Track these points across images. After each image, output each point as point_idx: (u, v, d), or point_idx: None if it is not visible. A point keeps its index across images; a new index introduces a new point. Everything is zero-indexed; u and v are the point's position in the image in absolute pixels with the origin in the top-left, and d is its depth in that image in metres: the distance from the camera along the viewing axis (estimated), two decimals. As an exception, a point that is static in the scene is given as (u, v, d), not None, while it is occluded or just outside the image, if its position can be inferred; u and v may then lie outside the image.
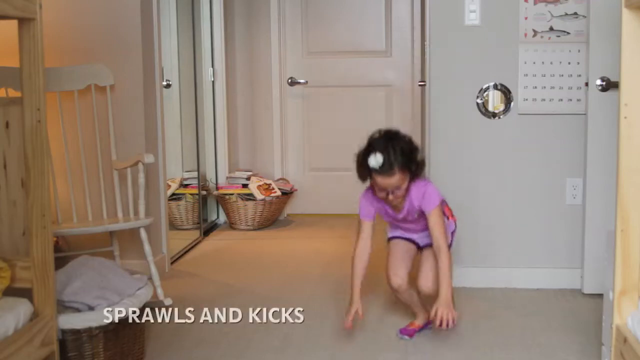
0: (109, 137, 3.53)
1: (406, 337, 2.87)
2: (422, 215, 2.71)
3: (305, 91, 5.33)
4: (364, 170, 2.55)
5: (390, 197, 2.57)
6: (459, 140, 3.48)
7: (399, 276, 2.79)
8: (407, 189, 2.61)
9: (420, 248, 2.88)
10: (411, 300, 2.90)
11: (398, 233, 2.89)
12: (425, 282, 2.77)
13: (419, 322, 2.92)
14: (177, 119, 4.92)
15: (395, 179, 2.52)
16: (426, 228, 2.72)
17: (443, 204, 2.76)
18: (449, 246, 2.76)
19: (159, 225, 3.86)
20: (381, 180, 2.53)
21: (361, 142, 2.65)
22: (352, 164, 2.71)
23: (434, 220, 2.64)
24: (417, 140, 5.31)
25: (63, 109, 3.48)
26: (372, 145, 2.54)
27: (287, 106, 5.37)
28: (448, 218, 2.83)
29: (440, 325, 2.56)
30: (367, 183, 2.64)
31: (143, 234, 3.25)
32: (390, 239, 2.91)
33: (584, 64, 3.35)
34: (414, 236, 2.87)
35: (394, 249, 2.87)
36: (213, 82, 5.07)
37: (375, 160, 2.49)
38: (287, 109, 5.37)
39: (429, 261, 2.78)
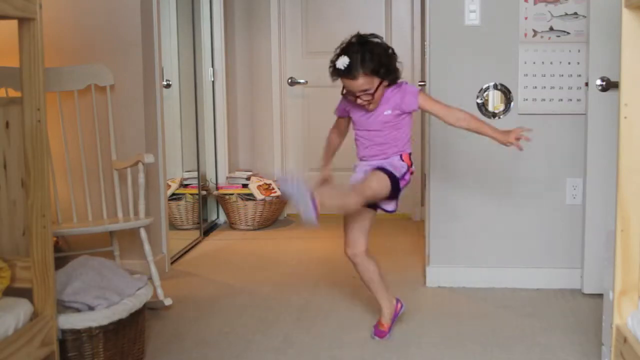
0: (109, 137, 3.53)
1: (377, 338, 2.84)
2: (393, 125, 2.67)
3: (305, 91, 5.33)
4: (333, 70, 2.61)
5: (359, 100, 2.61)
6: (459, 140, 3.48)
7: (354, 247, 2.86)
8: (382, 94, 2.62)
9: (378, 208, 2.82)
10: (370, 279, 2.84)
11: (362, 168, 2.79)
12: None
13: (386, 319, 2.87)
14: (177, 119, 4.92)
15: (359, 83, 2.55)
16: (394, 145, 2.69)
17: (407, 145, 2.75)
18: (398, 191, 2.71)
19: (159, 225, 3.86)
20: (346, 82, 2.59)
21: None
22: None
23: (427, 105, 2.68)
24: (417, 140, 5.33)
25: (63, 109, 3.48)
26: (342, 48, 2.60)
27: (287, 106, 5.37)
28: (405, 163, 2.74)
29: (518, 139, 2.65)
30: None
31: (143, 234, 3.25)
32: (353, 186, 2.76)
33: (584, 64, 3.35)
34: (380, 163, 2.72)
35: (350, 222, 2.90)
36: (213, 82, 5.07)
37: (342, 62, 2.55)
38: (287, 109, 5.37)
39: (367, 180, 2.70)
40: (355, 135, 2.79)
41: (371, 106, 2.64)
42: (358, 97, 2.60)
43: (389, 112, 2.65)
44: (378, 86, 2.58)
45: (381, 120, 2.67)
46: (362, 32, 2.69)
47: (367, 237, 2.86)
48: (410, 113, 2.69)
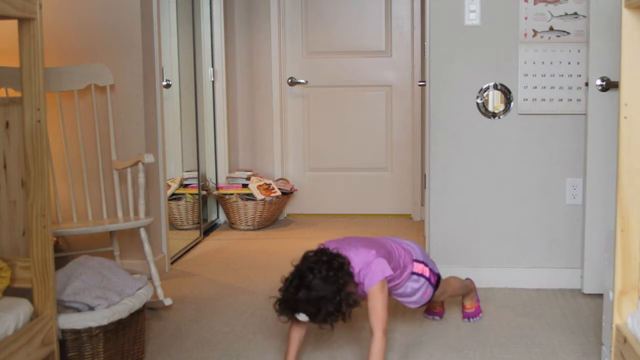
0: (109, 137, 3.54)
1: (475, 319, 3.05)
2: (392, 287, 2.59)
3: (305, 91, 5.33)
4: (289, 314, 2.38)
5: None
6: (459, 140, 3.48)
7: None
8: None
9: None
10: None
11: None
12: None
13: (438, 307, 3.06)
14: (177, 119, 4.92)
15: (328, 323, 2.35)
16: (406, 292, 2.67)
17: (409, 267, 2.65)
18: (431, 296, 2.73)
19: (159, 225, 3.86)
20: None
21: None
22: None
23: (372, 303, 2.43)
24: (417, 140, 5.33)
25: (63, 109, 3.48)
26: (293, 305, 2.33)
27: (287, 106, 5.37)
28: (427, 278, 2.71)
29: None
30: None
31: (143, 234, 3.25)
32: None
33: (584, 64, 3.35)
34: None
35: None
36: (213, 82, 5.07)
37: (301, 318, 2.34)
38: (287, 109, 5.37)
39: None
40: None
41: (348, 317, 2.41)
42: None
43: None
44: (344, 312, 2.36)
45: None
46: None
47: None
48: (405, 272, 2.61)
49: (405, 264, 2.64)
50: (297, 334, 2.55)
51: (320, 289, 2.30)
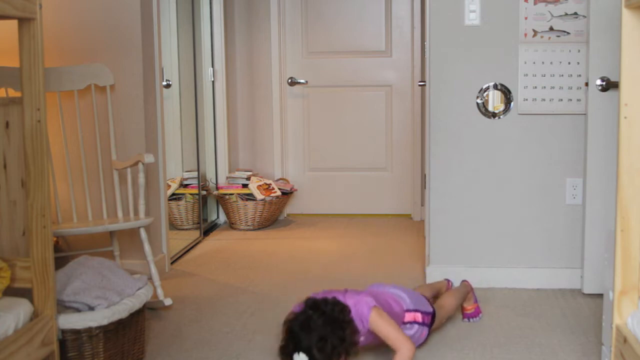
0: (109, 137, 3.54)
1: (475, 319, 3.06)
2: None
3: (305, 91, 5.33)
4: None
5: None
6: (459, 140, 3.48)
7: None
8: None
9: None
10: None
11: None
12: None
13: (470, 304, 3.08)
14: (177, 119, 4.92)
15: None
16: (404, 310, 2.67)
17: (400, 319, 2.64)
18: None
19: (159, 225, 3.86)
20: None
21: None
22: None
23: (380, 331, 2.46)
24: (417, 140, 5.33)
25: (63, 109, 3.48)
26: (295, 344, 2.33)
27: (287, 106, 5.37)
28: (423, 324, 2.71)
29: None
30: None
31: (143, 234, 3.25)
32: None
33: (584, 64, 3.35)
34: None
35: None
36: (213, 82, 5.07)
37: (301, 358, 2.32)
38: (287, 109, 5.37)
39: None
40: None
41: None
42: None
43: (363, 338, 2.49)
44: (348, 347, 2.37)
45: (369, 336, 2.53)
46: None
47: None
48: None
49: (396, 316, 2.61)
50: None
51: (323, 329, 2.32)
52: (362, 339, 2.48)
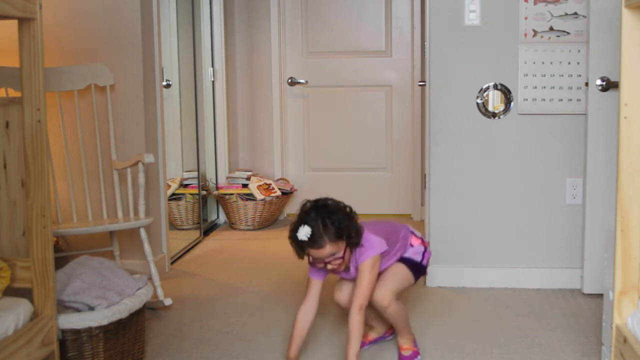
0: (109, 137, 3.54)
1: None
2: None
3: (305, 91, 5.33)
4: (297, 244, 2.42)
5: (329, 266, 2.45)
6: (459, 140, 3.48)
7: (343, 291, 2.70)
8: (351, 253, 2.49)
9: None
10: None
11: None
12: (378, 291, 2.58)
13: (372, 334, 2.83)
14: (177, 119, 4.92)
15: (327, 250, 2.40)
16: (393, 256, 2.67)
17: (407, 237, 2.71)
18: (425, 268, 2.75)
19: (159, 225, 3.86)
20: (313, 252, 2.41)
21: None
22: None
23: (362, 275, 2.48)
24: (417, 140, 5.34)
25: (63, 109, 3.48)
26: (301, 218, 2.43)
27: (287, 106, 5.37)
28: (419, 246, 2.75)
29: None
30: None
31: (143, 234, 3.25)
32: None
33: (584, 64, 3.35)
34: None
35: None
36: (213, 82, 5.07)
37: (304, 233, 2.38)
38: (287, 109, 5.37)
39: (384, 277, 2.63)
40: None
41: (342, 267, 2.51)
42: (328, 262, 2.44)
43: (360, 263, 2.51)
44: (346, 248, 2.45)
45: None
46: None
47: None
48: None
49: (404, 237, 2.70)
50: (304, 322, 2.56)
51: (329, 207, 2.47)
52: (352, 269, 2.54)
